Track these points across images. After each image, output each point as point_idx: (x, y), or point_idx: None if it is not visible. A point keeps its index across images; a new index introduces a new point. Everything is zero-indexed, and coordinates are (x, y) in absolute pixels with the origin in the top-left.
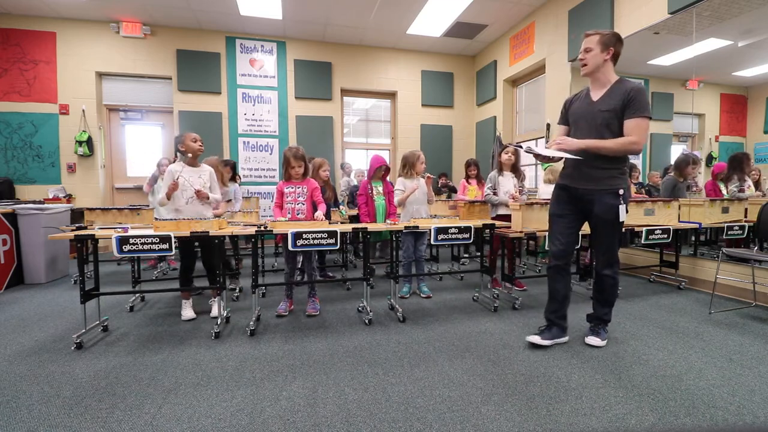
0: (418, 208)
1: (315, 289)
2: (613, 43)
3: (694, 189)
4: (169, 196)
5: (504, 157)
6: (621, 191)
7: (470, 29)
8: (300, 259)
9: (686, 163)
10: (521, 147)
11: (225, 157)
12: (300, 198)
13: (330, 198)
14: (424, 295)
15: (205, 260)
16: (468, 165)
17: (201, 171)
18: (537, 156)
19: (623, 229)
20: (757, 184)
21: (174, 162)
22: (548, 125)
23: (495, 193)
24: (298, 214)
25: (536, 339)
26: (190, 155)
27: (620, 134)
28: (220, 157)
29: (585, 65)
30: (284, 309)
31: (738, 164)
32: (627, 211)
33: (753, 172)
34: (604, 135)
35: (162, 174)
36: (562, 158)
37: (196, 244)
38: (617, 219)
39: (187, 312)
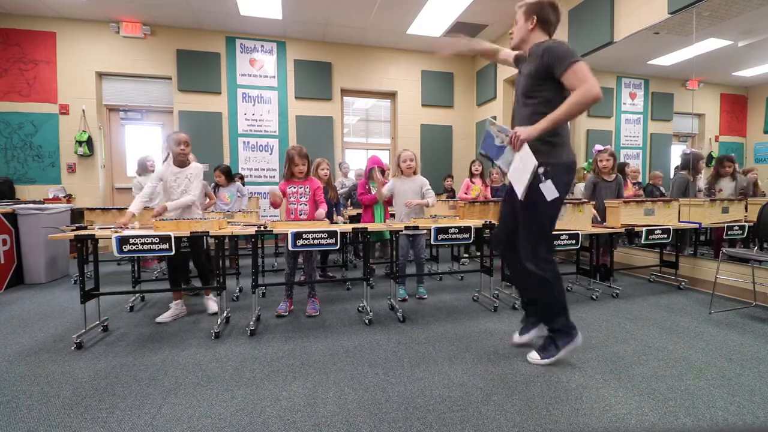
0: (401, 209)
1: (315, 290)
2: (536, 11)
3: (714, 191)
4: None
5: None
6: (540, 168)
7: (470, 29)
8: (300, 259)
9: (695, 160)
10: (492, 163)
11: (225, 158)
12: (302, 198)
13: (333, 198)
14: (418, 296)
15: (194, 261)
16: (473, 162)
17: (187, 170)
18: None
19: (550, 217)
20: (733, 176)
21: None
22: (494, 117)
23: None
24: (300, 215)
25: (516, 338)
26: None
27: (540, 97)
28: (220, 158)
29: (512, 37)
30: (284, 309)
31: (716, 164)
32: (560, 192)
33: (726, 168)
34: (524, 103)
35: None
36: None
37: (184, 243)
38: (526, 199)
39: (169, 312)
